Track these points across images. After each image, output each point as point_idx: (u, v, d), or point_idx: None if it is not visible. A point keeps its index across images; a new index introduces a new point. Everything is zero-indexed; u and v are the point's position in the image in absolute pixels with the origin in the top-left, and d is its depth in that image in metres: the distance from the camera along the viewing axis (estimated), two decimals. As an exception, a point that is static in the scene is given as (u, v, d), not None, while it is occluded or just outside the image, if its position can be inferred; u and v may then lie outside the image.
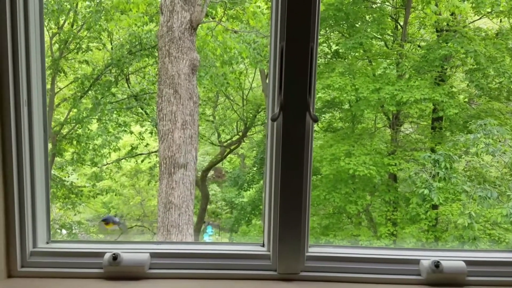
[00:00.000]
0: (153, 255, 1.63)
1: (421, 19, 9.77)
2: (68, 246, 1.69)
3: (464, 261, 1.60)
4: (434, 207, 8.30)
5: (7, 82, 1.50)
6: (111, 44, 9.91)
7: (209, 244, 1.70)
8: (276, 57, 1.55)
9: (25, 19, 1.53)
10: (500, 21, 9.03)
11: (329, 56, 10.25)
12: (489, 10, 8.66)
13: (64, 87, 10.12)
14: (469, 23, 9.23)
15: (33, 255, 1.62)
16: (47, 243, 1.69)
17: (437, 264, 1.56)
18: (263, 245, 1.69)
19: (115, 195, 11.15)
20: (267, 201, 1.67)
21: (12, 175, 1.54)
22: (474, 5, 8.40)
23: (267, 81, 11.08)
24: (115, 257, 1.58)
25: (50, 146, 9.16)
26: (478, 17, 9.35)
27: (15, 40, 1.50)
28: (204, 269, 1.63)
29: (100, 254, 1.61)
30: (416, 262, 1.62)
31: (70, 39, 9.18)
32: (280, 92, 1.53)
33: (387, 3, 10.00)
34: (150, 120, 10.09)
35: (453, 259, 1.60)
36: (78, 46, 9.16)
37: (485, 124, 7.25)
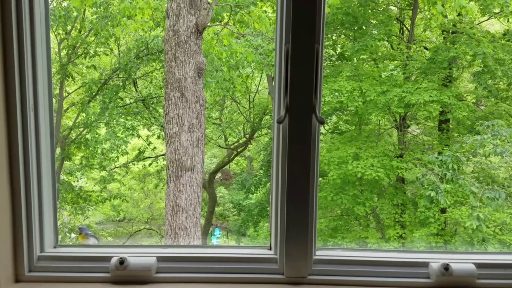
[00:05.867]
0: (160, 259, 1.63)
1: (427, 20, 9.72)
2: (75, 250, 1.69)
3: (474, 263, 1.57)
4: (443, 211, 8.24)
5: (14, 87, 1.50)
6: (118, 49, 9.96)
7: (216, 248, 1.70)
8: (282, 59, 1.55)
9: (31, 24, 1.54)
10: (508, 21, 8.95)
11: (334, 59, 10.22)
12: (497, 10, 8.59)
13: (72, 92, 10.20)
14: (476, 24, 9.16)
15: (40, 260, 1.63)
16: (54, 247, 1.69)
17: (446, 267, 1.54)
18: (270, 248, 1.68)
19: (122, 200, 11.20)
20: (274, 203, 1.66)
21: (19, 180, 1.54)
22: (482, 6, 8.33)
23: (273, 83, 11.10)
24: (122, 261, 1.58)
25: (59, 150, 9.22)
26: (486, 18, 9.29)
27: (21, 45, 1.51)
28: (211, 273, 1.62)
29: (107, 259, 1.61)
30: (425, 265, 1.60)
31: (78, 45, 9.25)
32: (286, 94, 1.52)
33: (391, 6, 9.96)
34: (157, 124, 10.13)
35: (462, 262, 1.58)
36: (85, 51, 9.22)
37: (492, 125, 7.19)
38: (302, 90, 1.51)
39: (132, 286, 1.57)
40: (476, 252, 1.69)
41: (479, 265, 1.58)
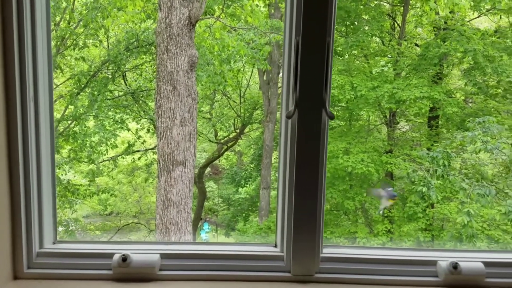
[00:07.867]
0: (164, 256, 1.59)
1: (418, 17, 9.75)
2: (75, 246, 1.63)
3: (483, 262, 1.56)
4: (432, 206, 8.30)
5: (13, 78, 1.45)
6: (108, 41, 9.82)
7: (221, 245, 1.66)
8: (291, 52, 1.51)
9: (32, 14, 1.48)
10: (500, 17, 9.01)
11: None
12: (488, 7, 8.65)
13: (61, 84, 10.04)
14: (467, 22, 9.22)
15: (39, 256, 1.58)
16: (54, 243, 1.64)
17: (455, 266, 1.52)
18: (275, 246, 1.65)
19: (111, 195, 11.08)
20: (280, 200, 1.63)
21: (18, 174, 1.49)
22: (474, 3, 8.37)
23: (264, 78, 11.06)
24: (124, 258, 1.54)
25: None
26: (477, 15, 9.34)
27: (21, 35, 1.45)
28: (216, 271, 1.58)
29: (109, 255, 1.56)
30: (433, 263, 1.58)
31: (66, 36, 9.08)
32: (295, 88, 1.48)
33: (383, 2, 9.96)
34: (146, 118, 10.03)
35: (471, 260, 1.57)
36: (74, 42, 9.07)
37: (483, 122, 7.23)
38: (312, 84, 1.47)
39: (135, 284, 1.53)
40: (484, 251, 1.68)
41: (487, 264, 1.56)
